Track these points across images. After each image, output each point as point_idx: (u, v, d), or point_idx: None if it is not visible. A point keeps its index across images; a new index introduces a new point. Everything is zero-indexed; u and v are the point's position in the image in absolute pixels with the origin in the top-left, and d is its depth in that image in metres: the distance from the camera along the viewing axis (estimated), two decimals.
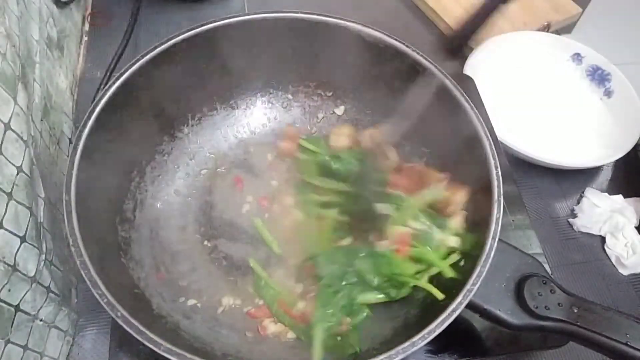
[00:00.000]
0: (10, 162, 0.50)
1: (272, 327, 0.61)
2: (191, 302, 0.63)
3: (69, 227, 0.51)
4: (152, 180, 0.70)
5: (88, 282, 0.49)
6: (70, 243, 0.50)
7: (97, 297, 0.48)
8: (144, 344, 0.47)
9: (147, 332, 0.47)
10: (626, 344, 0.50)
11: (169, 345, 0.46)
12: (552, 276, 0.56)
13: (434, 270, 0.58)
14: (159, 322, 0.56)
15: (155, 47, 0.63)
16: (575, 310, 0.52)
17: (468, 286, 0.51)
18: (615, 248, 0.77)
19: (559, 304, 0.53)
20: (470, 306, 0.52)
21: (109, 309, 0.48)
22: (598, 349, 0.52)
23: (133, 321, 0.47)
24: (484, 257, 0.52)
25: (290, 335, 0.60)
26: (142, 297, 0.58)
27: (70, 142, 0.76)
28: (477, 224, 0.56)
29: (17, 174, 0.51)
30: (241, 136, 0.77)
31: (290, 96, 0.78)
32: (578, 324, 0.52)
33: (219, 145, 0.76)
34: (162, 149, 0.71)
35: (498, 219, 0.54)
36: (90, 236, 0.52)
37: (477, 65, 0.90)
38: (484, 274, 0.51)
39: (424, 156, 0.71)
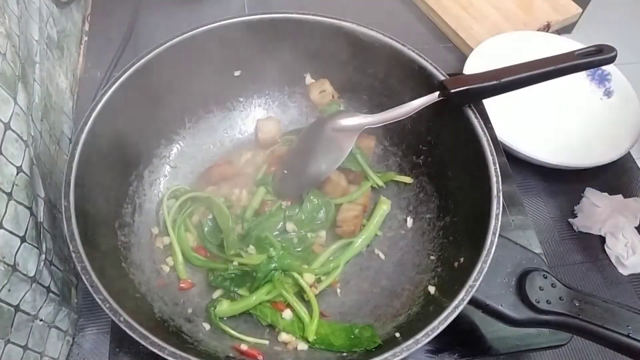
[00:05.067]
0: (10, 162, 0.50)
1: (283, 336, 0.61)
2: (193, 305, 0.63)
3: (69, 233, 0.51)
4: (150, 184, 0.70)
5: (90, 288, 0.49)
6: (71, 249, 0.50)
7: (100, 302, 0.48)
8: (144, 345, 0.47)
9: (151, 336, 0.47)
10: (628, 336, 0.50)
11: (172, 349, 0.46)
12: None
13: None
14: (161, 325, 0.56)
15: (155, 48, 0.63)
16: (577, 304, 0.53)
17: (470, 282, 0.51)
18: (615, 248, 0.77)
19: (560, 297, 0.53)
20: (473, 302, 0.52)
21: (112, 314, 0.48)
22: (600, 342, 0.52)
23: (136, 325, 0.47)
24: (484, 253, 0.52)
25: (301, 347, 0.60)
26: (143, 302, 0.58)
27: (70, 142, 0.76)
28: (477, 221, 0.57)
29: (17, 174, 0.51)
30: (238, 137, 0.77)
31: (286, 97, 0.78)
32: (580, 317, 0.52)
33: (215, 147, 0.76)
34: (159, 152, 0.71)
35: (498, 214, 0.55)
36: (90, 241, 0.52)
37: (477, 65, 0.90)
38: (485, 269, 0.52)
39: (422, 154, 0.72)
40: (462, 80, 0.62)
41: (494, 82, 0.59)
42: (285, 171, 0.70)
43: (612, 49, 0.60)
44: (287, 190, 0.69)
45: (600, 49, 0.60)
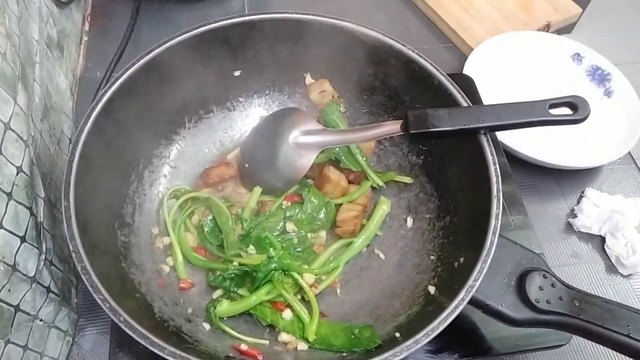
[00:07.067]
0: (10, 162, 0.50)
1: (283, 336, 0.61)
2: (193, 305, 0.63)
3: (69, 233, 0.51)
4: (150, 183, 0.70)
5: (89, 288, 0.49)
6: (71, 249, 0.50)
7: (100, 302, 0.48)
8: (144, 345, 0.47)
9: (151, 336, 0.47)
10: (628, 336, 0.50)
11: (172, 349, 0.47)
12: None
13: None
14: (161, 326, 0.56)
15: (155, 48, 0.63)
16: (577, 304, 0.53)
17: (470, 282, 0.51)
18: (615, 248, 0.76)
19: (560, 297, 0.53)
20: (473, 302, 0.52)
21: (112, 314, 0.48)
22: (600, 341, 0.52)
23: (136, 325, 0.47)
24: (484, 253, 0.52)
25: (301, 347, 0.60)
26: (143, 302, 0.58)
27: (70, 142, 0.76)
28: (477, 221, 0.57)
29: (17, 174, 0.51)
30: (237, 138, 0.77)
31: (286, 97, 0.78)
32: (580, 317, 0.52)
33: (215, 147, 0.76)
34: (159, 152, 0.71)
35: (498, 214, 0.55)
36: (90, 241, 0.52)
37: (477, 65, 0.90)
38: (486, 269, 0.52)
39: (422, 154, 0.72)
40: (425, 119, 0.58)
41: (460, 127, 0.57)
42: (247, 165, 0.71)
43: (586, 107, 0.59)
44: (249, 183, 0.71)
45: (575, 105, 0.59)
